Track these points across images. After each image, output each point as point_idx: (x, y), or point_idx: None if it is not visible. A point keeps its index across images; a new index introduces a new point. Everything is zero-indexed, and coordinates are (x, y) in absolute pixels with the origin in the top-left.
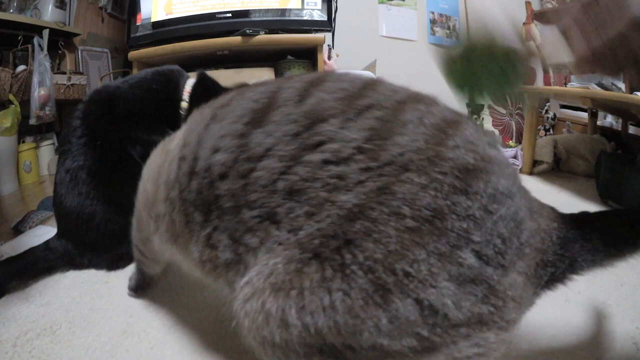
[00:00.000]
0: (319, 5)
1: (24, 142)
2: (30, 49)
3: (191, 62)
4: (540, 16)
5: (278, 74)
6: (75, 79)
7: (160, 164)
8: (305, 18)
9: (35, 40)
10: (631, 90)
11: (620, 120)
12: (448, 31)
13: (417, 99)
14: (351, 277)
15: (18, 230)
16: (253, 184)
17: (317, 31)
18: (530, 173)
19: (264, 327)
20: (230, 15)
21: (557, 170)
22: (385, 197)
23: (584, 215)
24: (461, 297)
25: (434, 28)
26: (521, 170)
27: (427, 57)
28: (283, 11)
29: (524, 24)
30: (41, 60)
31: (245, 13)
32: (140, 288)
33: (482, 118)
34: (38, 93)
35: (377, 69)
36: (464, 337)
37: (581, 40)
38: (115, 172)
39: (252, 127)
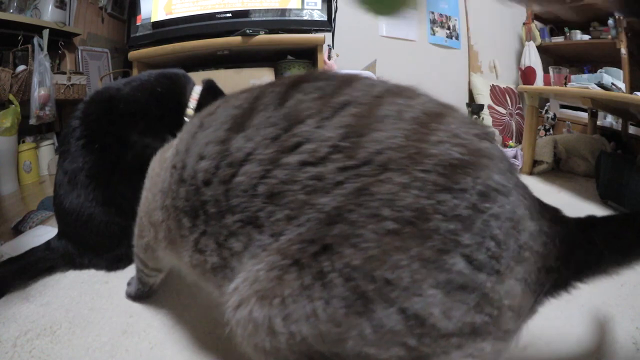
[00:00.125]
0: (319, 5)
1: (24, 142)
2: (30, 49)
3: (191, 62)
4: None
5: (278, 74)
6: (75, 79)
7: (157, 172)
8: (305, 18)
9: (35, 40)
10: (631, 90)
11: (620, 120)
12: (448, 31)
13: (396, 92)
14: (330, 285)
15: (18, 230)
16: (235, 189)
17: (317, 31)
18: (530, 173)
19: (255, 335)
20: (230, 15)
21: (557, 170)
22: (364, 198)
23: (589, 219)
24: (450, 305)
25: (434, 28)
26: (521, 170)
27: (427, 57)
28: (283, 11)
29: (524, 23)
30: (41, 60)
31: (245, 13)
32: (140, 298)
33: (482, 118)
34: (38, 93)
35: (377, 69)
36: (456, 348)
37: None
38: (114, 174)
39: (233, 132)
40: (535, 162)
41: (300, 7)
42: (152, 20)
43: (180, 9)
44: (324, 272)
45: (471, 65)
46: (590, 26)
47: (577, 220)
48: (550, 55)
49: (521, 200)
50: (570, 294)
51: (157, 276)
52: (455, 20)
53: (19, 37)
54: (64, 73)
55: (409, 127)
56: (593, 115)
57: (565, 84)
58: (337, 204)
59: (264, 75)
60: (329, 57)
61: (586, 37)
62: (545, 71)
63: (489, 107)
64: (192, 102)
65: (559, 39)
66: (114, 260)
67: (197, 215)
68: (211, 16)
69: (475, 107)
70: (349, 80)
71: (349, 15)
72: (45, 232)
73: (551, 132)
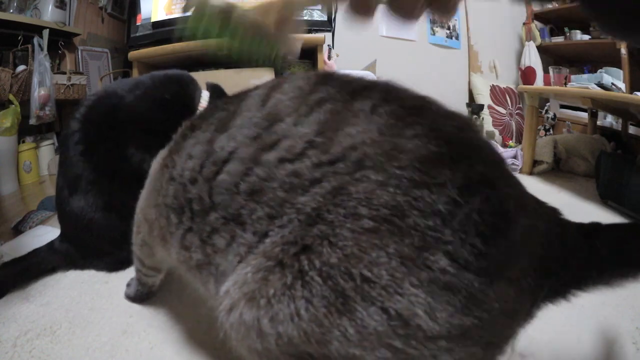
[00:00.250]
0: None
1: (24, 142)
2: (30, 49)
3: (191, 62)
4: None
5: (278, 74)
6: (75, 79)
7: (154, 171)
8: (305, 18)
9: (35, 40)
10: (631, 90)
11: (620, 120)
12: (448, 31)
13: (372, 87)
14: (310, 283)
15: (18, 230)
16: (218, 187)
17: (317, 31)
18: (530, 173)
19: (247, 337)
20: None
21: (557, 170)
22: (341, 197)
23: (593, 225)
24: (435, 306)
25: (434, 28)
26: (521, 170)
27: (427, 57)
28: None
29: (524, 23)
30: (41, 60)
31: None
32: (139, 299)
33: (482, 118)
34: (38, 93)
35: (377, 69)
36: (445, 351)
37: None
38: (114, 180)
39: (218, 132)
40: (535, 162)
41: None
42: (152, 20)
43: (181, 8)
44: (304, 270)
45: (471, 65)
46: (590, 26)
47: (579, 225)
48: (550, 55)
49: (510, 193)
50: (570, 301)
51: (155, 276)
52: (455, 20)
53: (19, 37)
54: (64, 73)
55: (385, 121)
56: (593, 115)
57: (565, 84)
58: (316, 204)
59: (264, 75)
60: (329, 57)
61: (586, 37)
62: (545, 71)
63: (489, 107)
64: (201, 109)
65: (559, 39)
66: (115, 263)
67: (183, 212)
68: None
69: (475, 107)
70: (326, 77)
71: None
72: (45, 232)
73: (551, 132)
